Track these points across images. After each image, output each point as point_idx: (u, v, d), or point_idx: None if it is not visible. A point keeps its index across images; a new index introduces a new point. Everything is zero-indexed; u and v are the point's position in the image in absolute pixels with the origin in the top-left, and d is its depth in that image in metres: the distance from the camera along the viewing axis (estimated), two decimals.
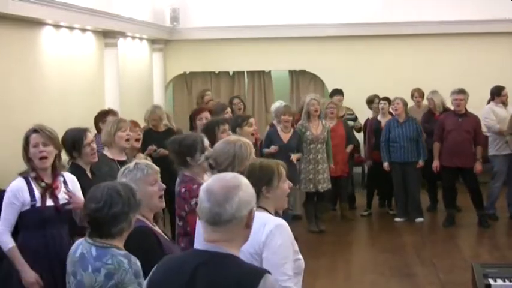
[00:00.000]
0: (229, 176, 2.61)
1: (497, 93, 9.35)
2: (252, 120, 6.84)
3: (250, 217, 2.56)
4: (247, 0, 12.12)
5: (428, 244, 8.38)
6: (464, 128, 8.82)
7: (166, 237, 3.75)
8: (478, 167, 8.82)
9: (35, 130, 4.44)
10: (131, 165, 3.72)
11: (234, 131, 6.40)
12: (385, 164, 9.23)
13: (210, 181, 2.58)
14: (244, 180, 2.59)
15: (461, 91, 8.92)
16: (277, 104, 9.13)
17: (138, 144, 6.22)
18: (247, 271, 2.50)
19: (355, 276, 7.25)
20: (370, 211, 9.82)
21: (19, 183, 4.40)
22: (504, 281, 4.53)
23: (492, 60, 11.57)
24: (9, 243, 4.34)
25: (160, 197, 3.73)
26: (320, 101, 8.91)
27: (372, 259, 7.84)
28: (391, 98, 9.58)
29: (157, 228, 3.72)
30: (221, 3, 12.18)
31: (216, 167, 4.22)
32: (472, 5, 11.48)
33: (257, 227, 3.33)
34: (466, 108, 8.95)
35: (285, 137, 8.43)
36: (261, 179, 3.43)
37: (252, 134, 6.59)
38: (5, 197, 4.39)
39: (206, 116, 6.97)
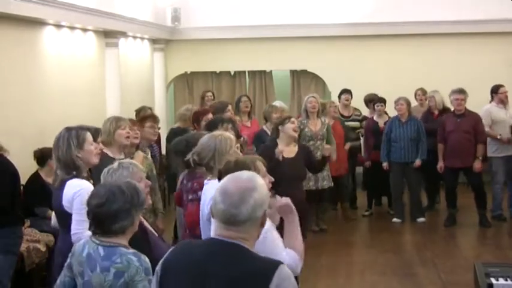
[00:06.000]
0: (245, 177, 2.56)
1: (495, 90, 9.28)
2: (293, 119, 7.02)
3: (264, 217, 2.54)
4: (248, 0, 12.12)
5: (429, 244, 8.36)
6: (463, 129, 8.81)
7: (154, 232, 3.80)
8: (477, 165, 8.80)
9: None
10: (115, 165, 3.71)
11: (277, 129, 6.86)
12: (384, 164, 9.22)
13: (225, 181, 2.54)
14: (260, 181, 2.55)
15: (461, 91, 8.91)
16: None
17: (137, 141, 6.18)
18: (263, 261, 2.49)
19: (356, 276, 7.24)
20: (372, 211, 9.82)
21: (87, 184, 4.17)
22: (506, 280, 4.52)
23: (492, 60, 11.56)
24: None
25: (147, 193, 3.73)
26: (318, 99, 8.87)
27: (373, 259, 7.82)
28: (393, 97, 9.56)
29: (145, 224, 3.75)
30: (222, 3, 12.18)
31: (199, 162, 4.29)
32: (473, 5, 11.48)
33: None
34: (465, 108, 8.94)
35: None
36: None
37: (295, 131, 6.83)
38: (80, 199, 3.98)
39: (210, 117, 6.95)
